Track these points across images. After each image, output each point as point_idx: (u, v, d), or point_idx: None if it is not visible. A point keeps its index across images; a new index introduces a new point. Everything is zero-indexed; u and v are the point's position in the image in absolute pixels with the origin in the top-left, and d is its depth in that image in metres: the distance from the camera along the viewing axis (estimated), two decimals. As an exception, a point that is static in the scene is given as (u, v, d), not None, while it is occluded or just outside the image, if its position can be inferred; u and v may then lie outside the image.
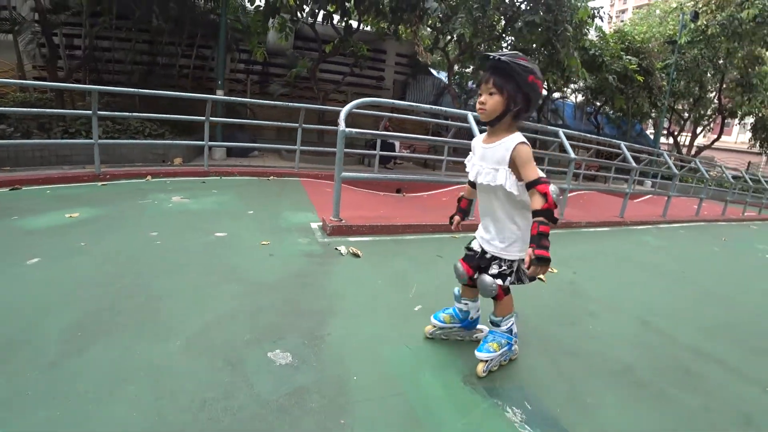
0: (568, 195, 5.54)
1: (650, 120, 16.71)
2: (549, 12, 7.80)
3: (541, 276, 3.17)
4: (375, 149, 9.50)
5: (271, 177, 6.48)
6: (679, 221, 6.90)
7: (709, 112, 16.05)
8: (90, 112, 5.47)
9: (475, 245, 1.88)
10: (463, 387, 1.71)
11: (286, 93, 10.15)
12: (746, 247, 6.12)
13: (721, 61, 12.65)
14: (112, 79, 9.06)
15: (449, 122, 8.82)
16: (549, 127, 5.65)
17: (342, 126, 3.46)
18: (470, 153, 1.87)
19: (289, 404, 1.47)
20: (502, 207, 1.72)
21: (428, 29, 10.90)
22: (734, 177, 9.10)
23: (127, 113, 5.90)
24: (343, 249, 3.18)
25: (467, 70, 12.72)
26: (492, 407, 1.61)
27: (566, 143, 4.98)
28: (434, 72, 13.00)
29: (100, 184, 5.24)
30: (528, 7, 8.24)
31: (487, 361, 1.80)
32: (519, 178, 1.62)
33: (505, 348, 1.85)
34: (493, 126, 1.66)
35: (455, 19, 7.80)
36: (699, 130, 16.84)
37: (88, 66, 8.58)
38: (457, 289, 2.02)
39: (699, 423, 1.75)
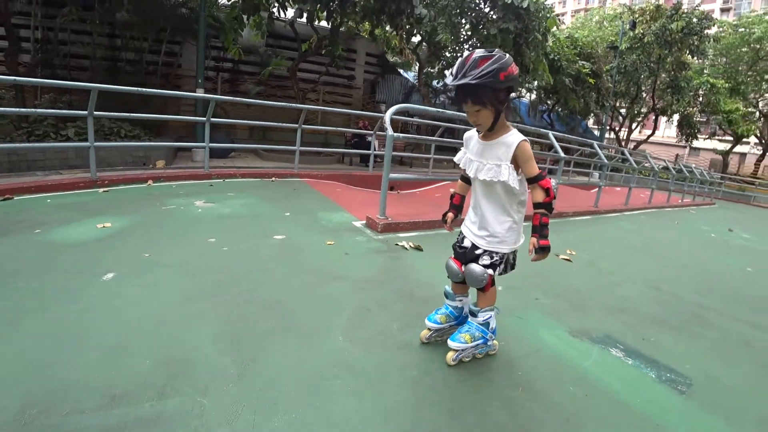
0: (554, 188, 6.46)
1: (591, 117, 18.89)
2: (520, 21, 8.77)
3: (567, 257, 3.96)
4: (354, 147, 9.99)
5: (274, 178, 6.71)
6: (637, 208, 8.22)
7: (644, 110, 18.57)
8: (86, 112, 5.36)
9: (466, 242, 1.91)
10: (573, 339, 2.36)
11: (261, 92, 10.23)
12: (694, 228, 7.53)
13: (653, 66, 14.79)
14: (68, 75, 8.59)
15: (422, 121, 9.51)
16: (541, 129, 6.52)
17: (390, 131, 3.94)
18: (462, 148, 1.93)
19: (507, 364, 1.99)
20: (500, 202, 1.79)
21: (395, 31, 11.53)
22: (676, 169, 10.84)
23: (126, 114, 5.81)
24: (405, 244, 3.69)
25: (433, 70, 13.57)
26: (601, 350, 2.27)
27: (556, 144, 5.86)
28: (402, 71, 13.68)
29: (101, 190, 5.14)
30: (499, 16, 9.16)
31: (457, 350, 1.87)
32: (517, 173, 1.73)
33: (479, 341, 1.91)
34: (492, 130, 1.73)
35: (437, 24, 8.48)
36: (634, 126, 19.37)
37: (42, 61, 8.09)
38: (447, 287, 2.07)
39: (721, 347, 2.56)
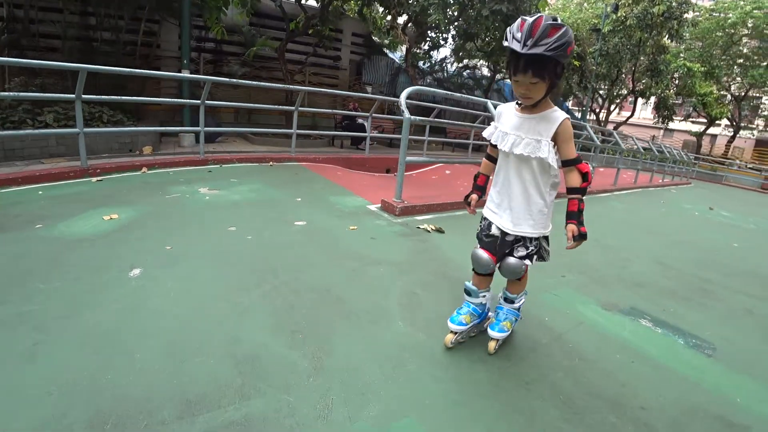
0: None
1: (571, 98, 19.44)
2: (511, 2, 8.88)
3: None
4: (344, 130, 9.96)
5: (271, 163, 6.67)
6: (625, 188, 8.65)
7: (623, 92, 19.24)
8: (72, 96, 5.12)
9: (494, 230, 1.81)
10: (606, 312, 2.57)
11: (246, 73, 10.00)
12: (679, 207, 8.01)
13: (634, 49, 15.30)
14: (38, 57, 8.12)
15: (411, 101, 9.54)
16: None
17: (406, 114, 4.01)
18: (493, 123, 1.83)
19: (558, 338, 2.16)
20: (534, 182, 1.70)
21: (382, 8, 11.42)
22: (657, 150, 11.41)
23: (116, 97, 5.62)
24: (427, 227, 3.82)
25: (419, 50, 13.55)
26: (632, 321, 2.50)
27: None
28: (388, 52, 13.59)
29: (94, 179, 4.96)
30: (490, -4, 9.23)
31: (499, 339, 1.89)
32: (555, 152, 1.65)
33: (514, 324, 1.98)
34: (536, 105, 1.64)
35: (429, 4, 8.48)
36: (613, 107, 20.07)
37: (9, 41, 7.62)
38: (469, 283, 1.96)
39: (729, 315, 2.85)
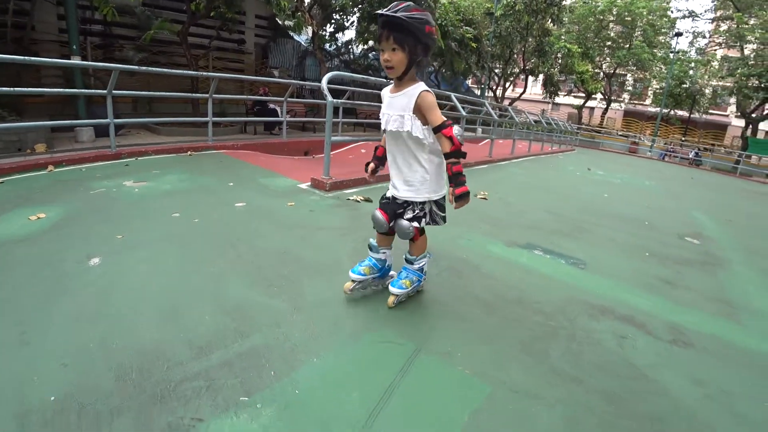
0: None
1: (471, 77, 21.13)
2: (412, -14, 9.52)
3: (485, 196, 5.01)
4: (256, 115, 9.94)
5: (190, 152, 6.59)
6: (520, 156, 9.98)
7: (516, 71, 21.45)
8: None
9: (389, 193, 2.06)
10: (509, 248, 3.30)
11: (144, 59, 9.41)
12: (564, 170, 9.52)
13: (523, 31, 17.18)
14: None
15: (316, 84, 9.90)
16: (441, 91, 7.46)
17: (329, 98, 4.40)
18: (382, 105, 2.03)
19: (475, 268, 2.77)
20: (410, 152, 1.89)
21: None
22: (546, 123, 13.16)
23: (10, 88, 5.10)
24: (356, 198, 4.30)
25: (324, 33, 13.72)
26: (529, 252, 3.26)
27: (458, 104, 6.89)
28: (294, 35, 13.54)
29: None
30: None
31: (398, 295, 2.10)
32: (424, 123, 1.81)
33: (416, 284, 2.17)
34: (401, 79, 1.81)
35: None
36: (507, 84, 22.27)
37: None
38: (373, 240, 2.20)
39: (597, 243, 3.79)
